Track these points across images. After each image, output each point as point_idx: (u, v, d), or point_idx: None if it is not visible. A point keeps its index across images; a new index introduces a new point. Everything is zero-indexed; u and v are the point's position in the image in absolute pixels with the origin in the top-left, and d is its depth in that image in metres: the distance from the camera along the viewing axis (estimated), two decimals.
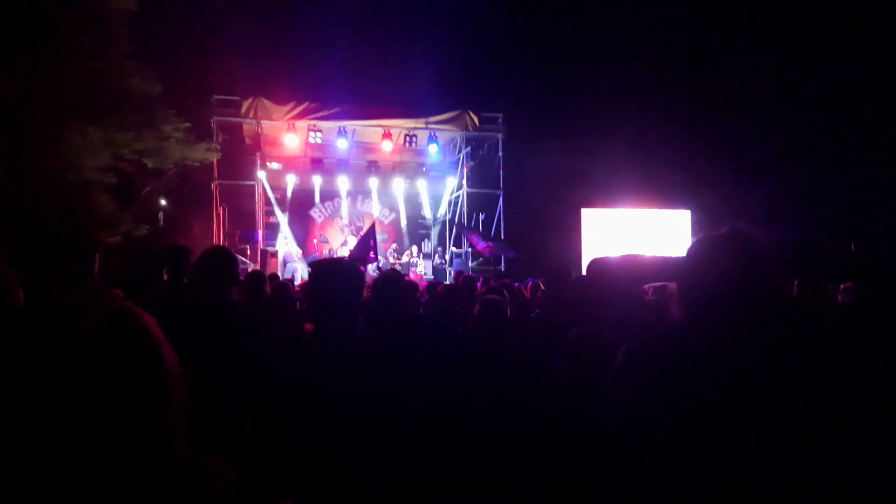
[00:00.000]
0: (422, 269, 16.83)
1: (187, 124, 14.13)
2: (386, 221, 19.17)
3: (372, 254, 11.53)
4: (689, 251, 1.49)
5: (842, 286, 5.24)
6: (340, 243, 17.67)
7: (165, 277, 4.08)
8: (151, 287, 3.80)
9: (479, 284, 6.84)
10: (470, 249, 17.16)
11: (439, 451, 2.06)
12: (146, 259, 3.34)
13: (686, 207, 17.43)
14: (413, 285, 6.14)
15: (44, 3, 10.67)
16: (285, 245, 16.46)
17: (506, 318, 3.26)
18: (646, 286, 1.56)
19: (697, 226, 17.08)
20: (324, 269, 2.31)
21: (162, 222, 19.35)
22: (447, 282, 12.46)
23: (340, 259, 2.34)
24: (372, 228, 12.06)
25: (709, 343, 1.36)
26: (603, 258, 1.64)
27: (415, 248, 17.58)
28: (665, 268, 1.54)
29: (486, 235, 16.74)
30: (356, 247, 11.81)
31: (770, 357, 1.32)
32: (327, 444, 1.90)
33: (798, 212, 17.13)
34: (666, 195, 17.77)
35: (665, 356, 1.41)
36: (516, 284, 5.66)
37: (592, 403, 2.12)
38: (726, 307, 1.35)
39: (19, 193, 10.79)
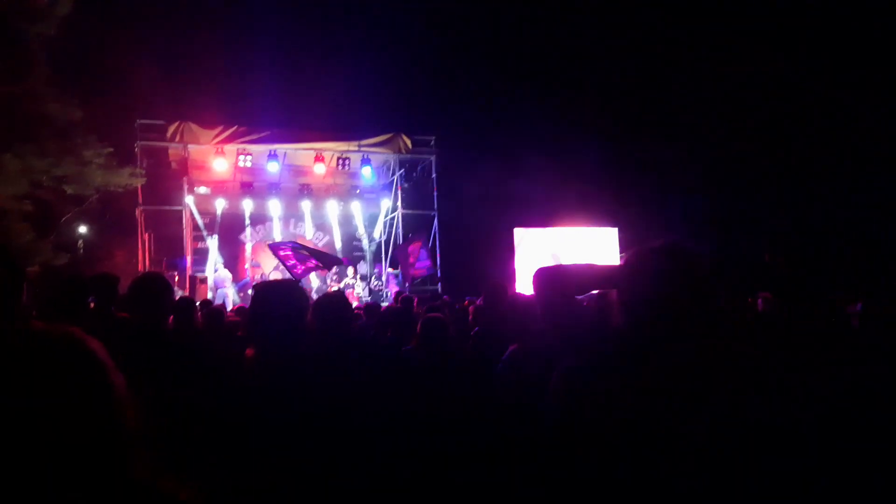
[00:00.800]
0: (359, 291, 16.69)
1: (110, 149, 13.67)
2: (320, 244, 18.93)
3: (311, 262, 11.27)
4: (630, 260, 1.54)
5: (760, 295, 5.60)
6: (273, 267, 17.31)
7: (92, 306, 3.93)
8: (78, 316, 3.64)
9: (415, 304, 6.88)
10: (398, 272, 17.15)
11: (392, 468, 2.08)
12: (69, 287, 3.18)
13: (613, 225, 18.07)
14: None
15: None
16: (215, 271, 15.99)
17: (448, 335, 3.33)
18: (584, 296, 1.64)
19: (623, 243, 17.72)
20: (268, 290, 2.30)
21: (82, 250, 18.48)
22: (385, 303, 12.40)
23: (285, 280, 2.34)
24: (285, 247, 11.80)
25: (648, 348, 1.41)
26: (544, 267, 1.69)
27: (351, 270, 17.45)
28: (595, 275, 1.61)
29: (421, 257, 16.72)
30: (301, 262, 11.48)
31: (703, 365, 1.39)
32: (278, 468, 1.89)
33: (719, 229, 18.08)
34: (594, 214, 18.39)
35: (606, 361, 1.48)
36: (458, 305, 5.74)
37: (533, 410, 2.20)
38: (666, 314, 1.41)
39: None
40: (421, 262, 15.87)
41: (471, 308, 5.69)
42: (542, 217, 18.17)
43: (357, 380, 2.16)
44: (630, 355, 1.43)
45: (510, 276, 16.26)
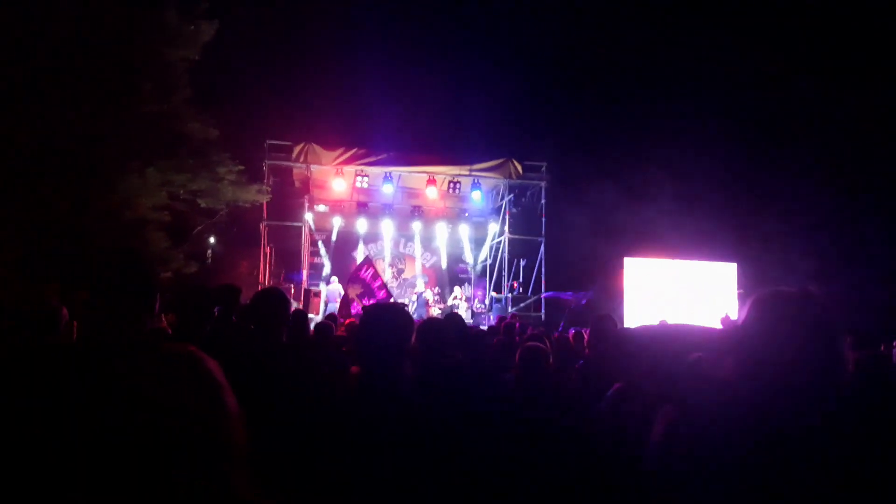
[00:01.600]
0: (462, 313, 16.83)
1: (241, 167, 14.70)
2: (427, 265, 19.33)
3: (382, 292, 11.52)
4: (756, 305, 1.42)
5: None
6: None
7: (216, 314, 4.21)
8: (203, 324, 3.90)
9: (517, 329, 6.83)
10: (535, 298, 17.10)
11: (485, 495, 2.07)
12: (196, 297, 3.42)
13: (732, 260, 17.09)
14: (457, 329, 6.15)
15: (110, 48, 11.36)
16: (328, 284, 16.72)
17: (549, 366, 3.27)
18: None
19: (744, 279, 16.68)
20: (376, 313, 2.38)
21: (211, 260, 19.91)
22: (485, 326, 12.40)
23: (392, 304, 2.40)
24: (367, 264, 12.12)
25: (765, 406, 1.31)
26: (644, 327, 1.63)
27: (458, 290, 17.62)
28: (707, 338, 1.53)
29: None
30: (360, 287, 11.84)
31: (828, 431, 1.29)
32: (375, 490, 1.93)
33: (850, 267, 16.60)
34: (711, 247, 17.48)
35: (717, 416, 1.39)
36: (557, 333, 5.63)
37: (634, 457, 2.10)
38: (788, 371, 1.31)
39: (79, 231, 11.32)
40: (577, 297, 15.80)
41: (567, 337, 5.58)
42: (655, 248, 17.49)
43: (454, 408, 2.17)
44: (746, 414, 1.34)
45: (618, 307, 15.75)
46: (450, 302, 16.91)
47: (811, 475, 1.26)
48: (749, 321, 1.43)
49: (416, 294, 16.55)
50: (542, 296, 17.21)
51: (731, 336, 1.47)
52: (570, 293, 16.12)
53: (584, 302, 15.60)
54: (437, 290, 17.79)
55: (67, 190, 11.17)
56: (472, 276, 19.55)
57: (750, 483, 1.30)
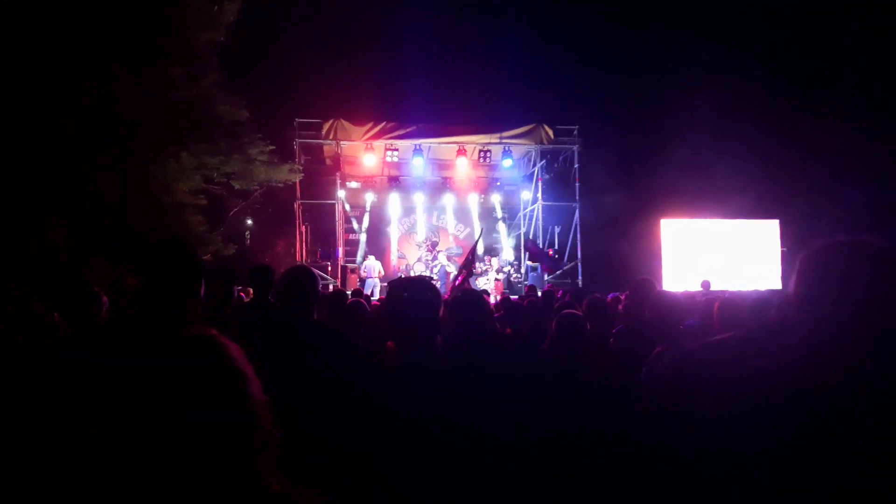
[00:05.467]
0: (494, 283, 16.77)
1: (272, 147, 14.78)
2: (461, 236, 19.28)
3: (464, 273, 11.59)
4: (810, 260, 1.36)
5: None
6: (416, 259, 17.91)
7: (239, 295, 4.23)
8: (225, 304, 3.91)
9: (558, 297, 6.76)
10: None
11: (523, 476, 2.03)
12: (217, 279, 3.45)
13: (774, 217, 16.58)
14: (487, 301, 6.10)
15: (138, 33, 11.46)
16: (364, 260, 16.84)
17: (586, 334, 3.20)
18: None
19: (786, 237, 16.17)
20: (399, 286, 2.34)
21: (248, 241, 20.23)
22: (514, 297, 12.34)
23: (418, 277, 2.35)
24: (473, 249, 12.18)
25: (840, 366, 1.25)
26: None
27: (495, 261, 17.55)
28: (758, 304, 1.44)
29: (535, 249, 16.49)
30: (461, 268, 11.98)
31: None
32: (412, 470, 1.91)
33: None
34: (751, 204, 16.96)
35: (785, 378, 1.31)
36: (597, 295, 5.51)
37: (685, 420, 2.03)
38: (861, 325, 1.25)
39: (123, 215, 11.60)
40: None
41: (619, 305, 5.47)
42: (692, 207, 17.06)
43: (490, 381, 2.12)
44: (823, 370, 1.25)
45: (657, 271, 15.49)
46: (488, 268, 16.87)
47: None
48: (801, 282, 1.35)
49: (440, 266, 16.64)
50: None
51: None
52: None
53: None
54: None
55: (112, 176, 11.43)
56: (506, 246, 19.42)
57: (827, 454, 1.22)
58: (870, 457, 1.17)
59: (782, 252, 15.99)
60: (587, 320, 3.33)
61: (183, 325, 0.90)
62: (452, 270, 16.51)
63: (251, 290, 4.69)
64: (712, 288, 10.88)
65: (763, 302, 2.86)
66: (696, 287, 11.28)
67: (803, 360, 1.29)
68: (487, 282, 16.22)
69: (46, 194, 10.27)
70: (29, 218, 10.00)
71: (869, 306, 1.24)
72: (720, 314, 3.07)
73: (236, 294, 3.67)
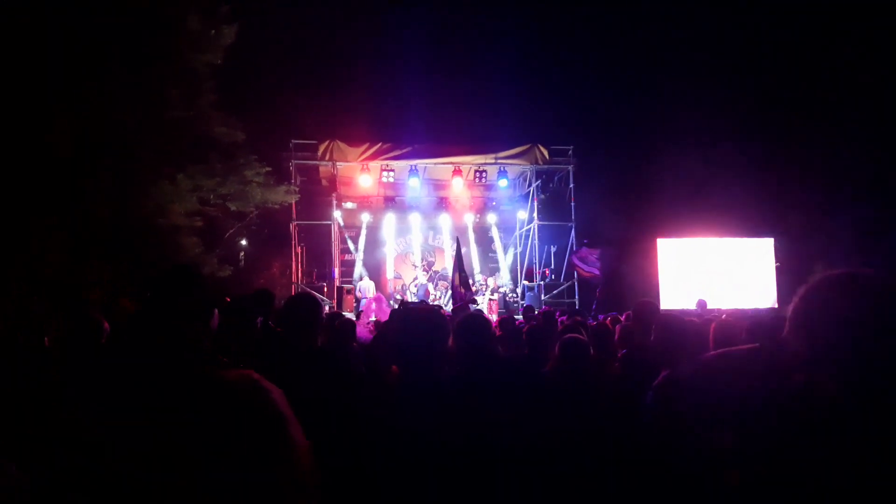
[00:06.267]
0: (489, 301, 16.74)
1: (268, 168, 14.79)
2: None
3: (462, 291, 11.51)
4: (808, 297, 1.34)
5: None
6: (412, 279, 17.88)
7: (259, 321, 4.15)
8: (248, 336, 3.83)
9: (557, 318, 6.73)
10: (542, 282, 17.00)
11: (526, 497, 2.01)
12: (238, 302, 3.38)
13: (769, 235, 16.65)
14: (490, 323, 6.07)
15: (139, 56, 11.50)
16: (360, 281, 16.80)
17: (589, 358, 3.18)
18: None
19: (780, 255, 16.23)
20: (408, 315, 2.33)
21: (243, 262, 20.14)
22: (518, 316, 12.29)
23: (425, 305, 2.34)
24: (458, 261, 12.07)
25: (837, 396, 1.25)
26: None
27: (491, 280, 17.55)
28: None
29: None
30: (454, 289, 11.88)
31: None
32: (417, 491, 1.89)
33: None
34: (747, 222, 17.04)
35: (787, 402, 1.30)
36: (600, 317, 5.50)
37: (687, 447, 2.02)
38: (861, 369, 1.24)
39: (118, 237, 11.53)
40: (590, 267, 15.71)
41: (617, 326, 5.45)
42: (687, 227, 17.12)
43: (495, 406, 2.11)
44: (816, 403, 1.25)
45: (654, 290, 15.49)
46: (483, 285, 16.86)
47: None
48: (799, 319, 1.34)
49: (416, 286, 16.69)
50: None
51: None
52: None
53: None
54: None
55: (107, 198, 11.37)
56: (502, 266, 19.43)
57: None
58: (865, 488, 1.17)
59: (777, 267, 16.06)
60: (591, 345, 3.32)
61: (202, 362, 0.87)
62: (431, 289, 16.57)
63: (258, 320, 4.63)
64: (709, 307, 10.88)
65: (760, 325, 2.87)
66: (691, 306, 11.28)
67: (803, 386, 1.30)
68: (482, 301, 16.17)
69: (45, 202, 10.21)
70: (29, 218, 9.94)
71: (867, 340, 1.24)
72: (716, 336, 3.07)
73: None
